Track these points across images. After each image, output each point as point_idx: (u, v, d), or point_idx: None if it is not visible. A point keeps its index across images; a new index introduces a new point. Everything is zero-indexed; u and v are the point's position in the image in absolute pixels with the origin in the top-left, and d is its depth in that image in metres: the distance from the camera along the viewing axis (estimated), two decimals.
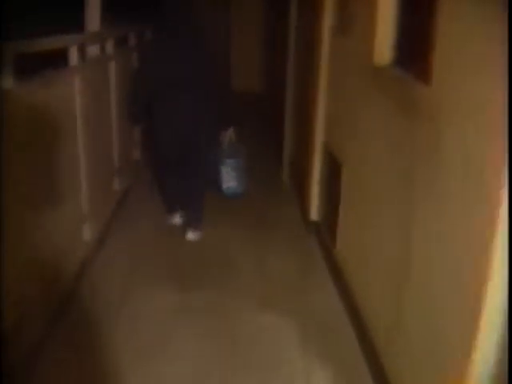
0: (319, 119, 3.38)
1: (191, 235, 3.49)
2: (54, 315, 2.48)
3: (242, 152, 3.68)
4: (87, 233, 3.10)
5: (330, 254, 3.12)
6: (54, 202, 2.59)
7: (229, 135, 3.48)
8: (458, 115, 1.56)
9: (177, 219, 3.67)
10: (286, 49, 4.30)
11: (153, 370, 2.27)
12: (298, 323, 2.61)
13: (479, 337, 1.42)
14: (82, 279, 2.89)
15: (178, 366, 2.30)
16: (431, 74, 1.70)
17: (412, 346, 1.89)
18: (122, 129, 3.99)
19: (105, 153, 3.67)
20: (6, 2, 2.80)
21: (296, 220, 3.80)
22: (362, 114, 2.52)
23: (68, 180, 2.81)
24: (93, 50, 3.38)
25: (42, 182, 2.44)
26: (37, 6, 4.46)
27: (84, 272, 2.93)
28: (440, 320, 1.66)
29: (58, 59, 2.77)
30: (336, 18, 3.05)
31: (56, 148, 2.62)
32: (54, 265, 2.59)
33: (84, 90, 2.94)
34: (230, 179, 3.69)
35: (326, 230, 3.29)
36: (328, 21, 3.13)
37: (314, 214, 3.57)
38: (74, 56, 2.80)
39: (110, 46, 3.69)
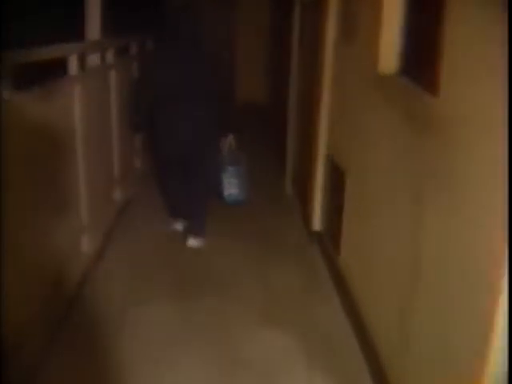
0: (322, 128, 3.34)
1: (193, 241, 3.47)
2: (53, 329, 2.44)
3: (242, 159, 3.65)
4: (87, 244, 3.05)
5: (333, 264, 3.07)
6: (51, 213, 2.55)
7: (228, 142, 3.47)
8: (466, 128, 1.51)
9: (179, 226, 3.67)
10: (289, 58, 4.28)
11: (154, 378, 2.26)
12: (302, 336, 2.56)
13: (491, 357, 1.37)
14: (82, 292, 2.84)
15: (180, 372, 2.29)
16: (439, 85, 1.66)
17: (420, 359, 1.84)
18: (123, 138, 3.96)
19: (105, 162, 3.63)
20: (4, 12, 2.77)
21: (298, 230, 3.76)
22: (367, 124, 2.48)
23: (67, 191, 2.78)
24: (93, 59, 3.35)
25: (39, 193, 2.40)
26: (36, 14, 4.43)
27: (83, 284, 2.89)
28: (451, 335, 1.61)
29: (57, 68, 2.74)
30: (340, 26, 3.02)
31: (55, 159, 2.59)
32: (52, 278, 2.55)
33: (84, 100, 2.91)
34: (231, 186, 3.66)
35: (329, 240, 3.25)
36: (331, 30, 3.10)
37: (317, 223, 3.52)
38: (73, 65, 2.77)
39: (110, 55, 3.66)
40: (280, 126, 5.10)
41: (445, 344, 1.65)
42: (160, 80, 3.22)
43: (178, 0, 3.37)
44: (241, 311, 2.76)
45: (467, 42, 1.51)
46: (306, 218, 3.68)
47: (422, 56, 1.94)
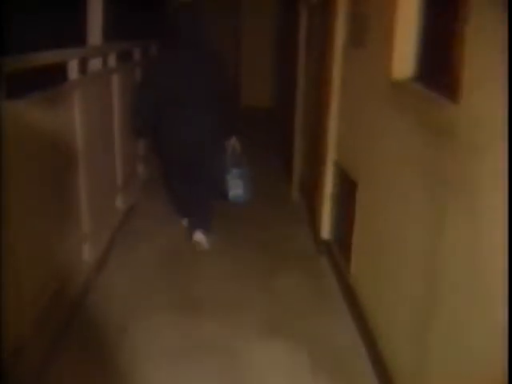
0: (331, 134, 3.25)
1: (199, 236, 3.49)
2: (54, 337, 2.38)
3: (244, 162, 3.60)
4: (88, 253, 2.98)
5: (343, 275, 2.97)
6: (52, 221, 2.49)
7: (232, 144, 3.46)
8: (488, 135, 1.41)
9: (186, 222, 3.73)
10: (296, 62, 4.19)
11: None
12: (309, 351, 2.46)
13: None
14: (83, 300, 2.78)
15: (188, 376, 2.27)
16: (460, 91, 1.55)
17: (438, 372, 1.74)
18: (126, 144, 3.89)
19: (107, 169, 3.57)
20: (5, 16, 2.70)
21: (306, 238, 3.66)
22: (379, 132, 2.37)
23: (68, 199, 2.73)
24: (95, 65, 3.29)
25: (40, 202, 2.34)
26: (37, 19, 4.36)
27: (85, 293, 2.82)
28: (472, 347, 1.51)
29: (59, 74, 2.66)
30: (349, 28, 2.92)
31: (55, 166, 2.53)
32: (53, 286, 2.49)
33: (84, 105, 2.83)
34: (236, 187, 3.63)
35: (339, 250, 3.15)
36: (340, 32, 3.00)
37: (326, 232, 3.42)
38: (73, 70, 2.69)
39: (112, 60, 3.59)
40: (285, 130, 5.02)
41: (465, 357, 1.55)
42: (163, 83, 3.20)
43: (179, 1, 3.32)
44: (245, 322, 2.68)
45: (491, 45, 1.40)
46: (314, 227, 3.58)
47: (441, 60, 1.83)
